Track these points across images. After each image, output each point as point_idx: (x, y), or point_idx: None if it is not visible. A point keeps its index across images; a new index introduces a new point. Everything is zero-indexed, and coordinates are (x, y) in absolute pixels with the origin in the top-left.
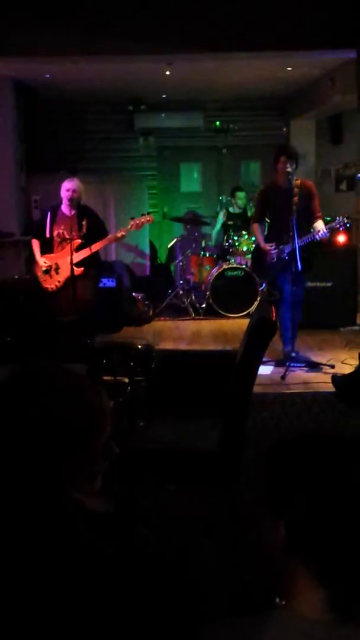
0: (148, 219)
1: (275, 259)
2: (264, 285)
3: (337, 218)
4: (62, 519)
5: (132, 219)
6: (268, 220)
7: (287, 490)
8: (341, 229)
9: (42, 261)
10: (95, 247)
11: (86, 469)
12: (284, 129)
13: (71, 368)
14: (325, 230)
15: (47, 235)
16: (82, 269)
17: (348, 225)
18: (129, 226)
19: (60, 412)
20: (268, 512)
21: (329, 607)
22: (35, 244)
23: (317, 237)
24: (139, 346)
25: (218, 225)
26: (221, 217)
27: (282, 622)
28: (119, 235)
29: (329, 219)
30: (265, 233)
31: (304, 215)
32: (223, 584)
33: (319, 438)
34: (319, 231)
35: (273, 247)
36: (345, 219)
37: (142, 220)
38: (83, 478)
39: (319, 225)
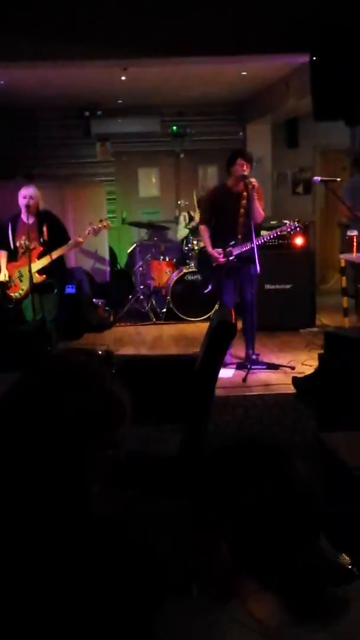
0: (105, 224)
1: (222, 262)
2: (209, 288)
3: (287, 222)
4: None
5: (90, 224)
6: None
7: (223, 500)
8: (292, 232)
9: (3, 275)
10: (55, 254)
11: (96, 467)
12: (241, 134)
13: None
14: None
15: (11, 246)
16: (43, 276)
17: (298, 229)
18: (86, 232)
19: (84, 402)
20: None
21: (279, 609)
22: (2, 255)
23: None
24: (99, 352)
25: (181, 226)
26: (182, 221)
27: (240, 618)
28: (77, 241)
29: (284, 222)
30: (212, 234)
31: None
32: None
33: (250, 446)
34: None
35: (221, 253)
36: (295, 222)
37: (100, 225)
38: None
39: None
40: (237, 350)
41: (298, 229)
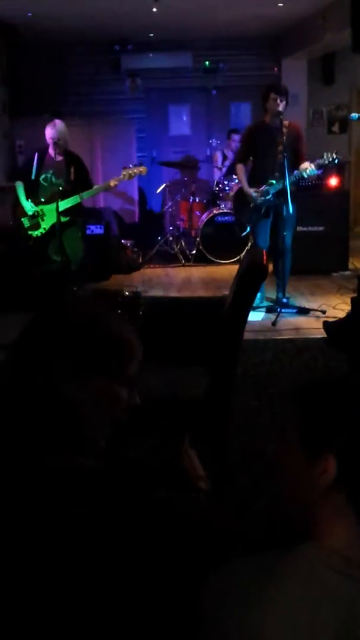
0: (141, 169)
1: (258, 202)
2: (248, 229)
3: (325, 154)
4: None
5: (124, 168)
6: (252, 160)
7: (326, 430)
8: (329, 165)
9: (29, 206)
10: (86, 195)
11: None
12: (275, 69)
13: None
14: (312, 167)
15: (33, 177)
16: (68, 216)
17: (336, 161)
18: (121, 176)
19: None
20: (299, 453)
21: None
22: (20, 187)
23: (304, 174)
24: (127, 293)
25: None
26: (215, 160)
27: (308, 556)
28: (110, 184)
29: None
30: (249, 173)
31: (290, 157)
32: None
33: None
34: (306, 168)
35: (257, 192)
36: (334, 154)
37: (135, 171)
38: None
39: (306, 164)
40: (269, 293)
41: (336, 160)
